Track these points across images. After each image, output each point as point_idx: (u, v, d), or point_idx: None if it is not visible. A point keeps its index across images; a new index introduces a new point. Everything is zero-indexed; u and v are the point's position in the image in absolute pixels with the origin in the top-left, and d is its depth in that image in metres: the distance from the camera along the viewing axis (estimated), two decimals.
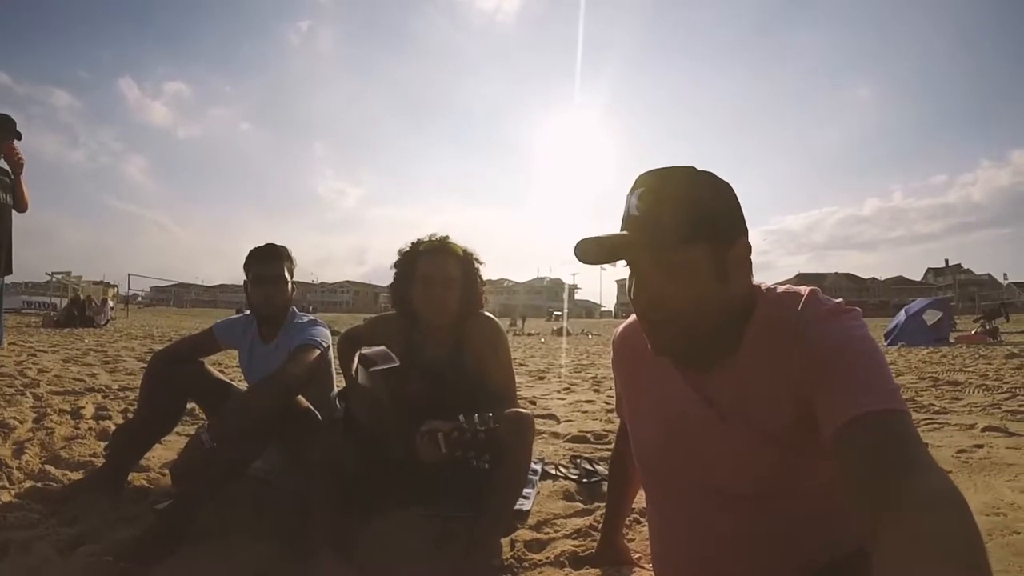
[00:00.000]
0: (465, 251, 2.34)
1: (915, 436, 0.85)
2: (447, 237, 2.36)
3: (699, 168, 1.09)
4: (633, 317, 1.30)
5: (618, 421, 1.57)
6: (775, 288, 1.13)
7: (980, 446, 3.42)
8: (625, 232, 1.07)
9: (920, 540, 0.71)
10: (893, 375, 0.94)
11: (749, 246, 1.09)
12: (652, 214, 1.04)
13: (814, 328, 1.00)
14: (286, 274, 2.58)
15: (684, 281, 1.04)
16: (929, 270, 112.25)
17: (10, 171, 4.28)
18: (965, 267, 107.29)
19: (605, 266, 1.12)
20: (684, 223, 1.02)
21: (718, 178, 1.09)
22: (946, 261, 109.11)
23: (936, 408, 4.84)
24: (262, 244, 2.62)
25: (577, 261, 1.06)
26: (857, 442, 0.86)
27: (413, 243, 2.38)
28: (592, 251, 1.07)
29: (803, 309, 1.03)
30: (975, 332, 15.27)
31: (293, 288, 2.63)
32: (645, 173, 1.09)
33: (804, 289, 1.09)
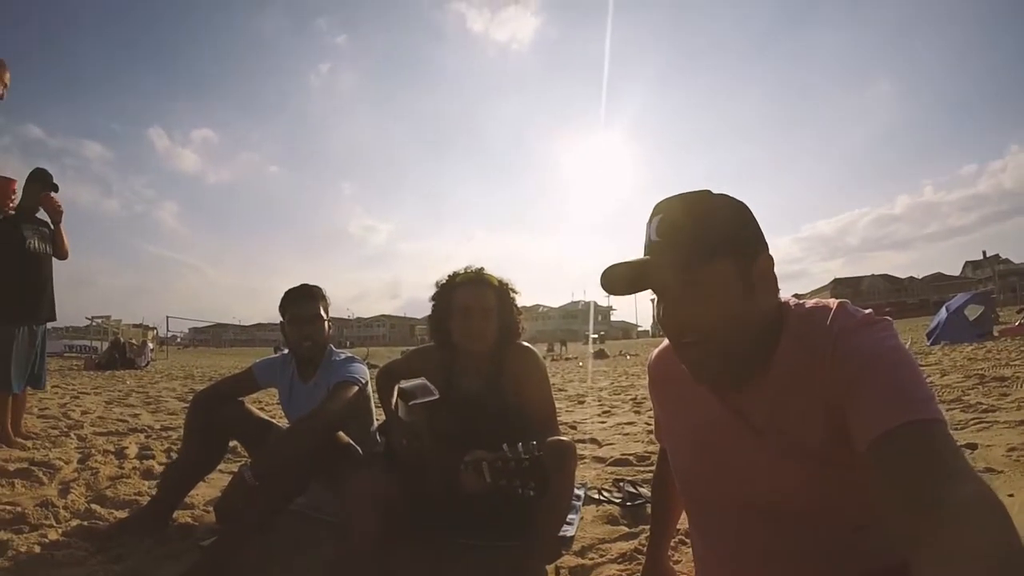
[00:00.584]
0: (501, 281, 2.36)
1: (951, 445, 0.84)
2: (482, 269, 2.39)
3: (714, 191, 1.11)
4: (666, 343, 1.32)
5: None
6: (803, 303, 1.13)
7: None
8: (646, 259, 1.08)
9: (957, 549, 0.70)
10: (927, 383, 0.92)
11: (772, 260, 1.09)
12: (672, 237, 1.06)
13: (844, 341, 0.99)
14: (322, 312, 2.61)
15: (711, 299, 1.03)
16: (967, 263, 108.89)
17: (50, 221, 4.40)
18: (1003, 257, 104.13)
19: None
20: (704, 241, 1.03)
21: (733, 198, 1.10)
22: (983, 253, 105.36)
23: (984, 406, 4.69)
24: (296, 285, 2.66)
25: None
26: (892, 455, 0.85)
27: (450, 276, 2.40)
28: (617, 280, 1.09)
29: (832, 322, 1.03)
30: (1019, 324, 14.94)
31: (330, 326, 2.66)
32: (661, 201, 1.11)
33: (833, 302, 1.08)
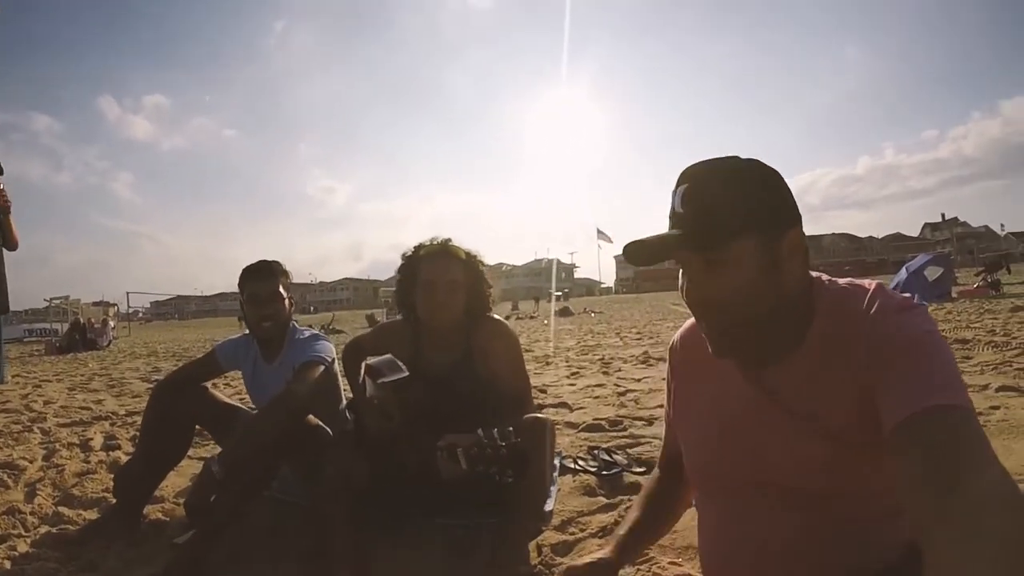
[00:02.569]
0: (468, 253, 2.30)
1: (978, 433, 0.83)
2: (449, 240, 2.32)
3: (743, 157, 1.07)
4: (688, 325, 1.31)
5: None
6: (837, 281, 1.11)
7: (996, 407, 3.40)
8: (672, 231, 1.05)
9: (972, 540, 0.70)
10: (959, 372, 0.92)
11: (802, 234, 1.06)
12: (697, 210, 1.02)
13: (882, 323, 0.97)
14: (281, 290, 2.52)
15: (734, 276, 1.01)
16: (926, 225, 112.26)
17: None
18: (962, 220, 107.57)
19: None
20: (730, 217, 1.00)
21: (765, 166, 1.07)
22: (942, 215, 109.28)
23: None
24: (254, 262, 2.57)
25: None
26: (916, 437, 0.84)
27: (415, 247, 2.33)
28: (641, 254, 1.06)
29: (870, 303, 1.01)
30: (977, 286, 15.32)
31: (291, 303, 2.58)
32: (689, 167, 1.07)
33: (869, 283, 1.06)
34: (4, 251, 4.36)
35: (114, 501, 2.44)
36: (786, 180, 1.06)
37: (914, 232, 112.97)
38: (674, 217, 1.06)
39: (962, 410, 0.85)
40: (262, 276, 2.52)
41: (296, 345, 2.50)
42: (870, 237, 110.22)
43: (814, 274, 1.11)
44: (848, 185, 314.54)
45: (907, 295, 1.03)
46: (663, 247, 1.05)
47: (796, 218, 1.06)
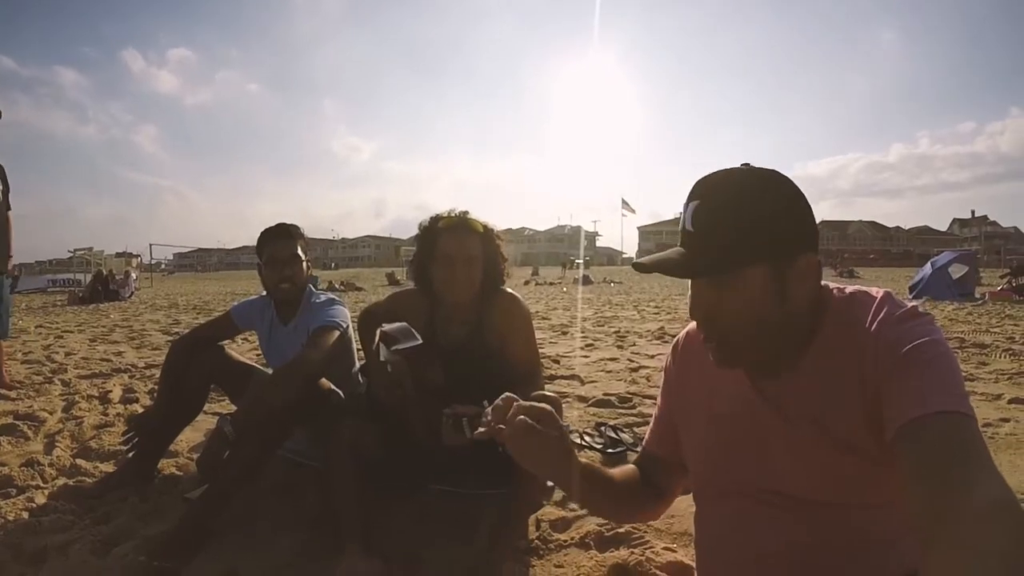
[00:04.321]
0: (486, 227, 2.29)
1: (978, 441, 0.83)
2: (467, 212, 2.31)
3: (757, 170, 1.04)
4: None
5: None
6: (844, 289, 1.10)
7: (1007, 420, 3.37)
8: (681, 251, 1.04)
9: (969, 553, 0.70)
10: (963, 381, 0.91)
11: (816, 262, 1.03)
12: (708, 234, 1.01)
13: (888, 330, 0.97)
14: (300, 252, 2.55)
15: (741, 299, 1.01)
16: (955, 220, 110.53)
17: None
18: (991, 219, 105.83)
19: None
20: (740, 244, 0.98)
21: (782, 182, 1.03)
22: (972, 212, 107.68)
23: (963, 374, 4.69)
24: (273, 225, 2.60)
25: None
26: (917, 442, 0.84)
27: (432, 218, 2.31)
28: (650, 268, 1.06)
29: (876, 311, 1.01)
30: (1001, 288, 14.96)
31: (309, 266, 2.61)
32: (701, 181, 1.05)
33: (876, 291, 1.06)
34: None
35: (130, 457, 2.49)
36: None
37: (942, 226, 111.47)
38: (684, 235, 1.04)
39: (966, 418, 0.85)
40: (281, 237, 2.54)
41: (312, 308, 2.52)
42: (897, 227, 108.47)
43: (822, 283, 1.09)
44: (879, 172, 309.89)
45: (914, 304, 1.02)
46: (674, 268, 1.04)
47: (810, 244, 1.03)
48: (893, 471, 0.89)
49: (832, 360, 1.03)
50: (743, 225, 0.99)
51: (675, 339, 1.37)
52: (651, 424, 1.43)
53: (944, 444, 0.82)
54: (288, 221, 2.61)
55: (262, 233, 2.58)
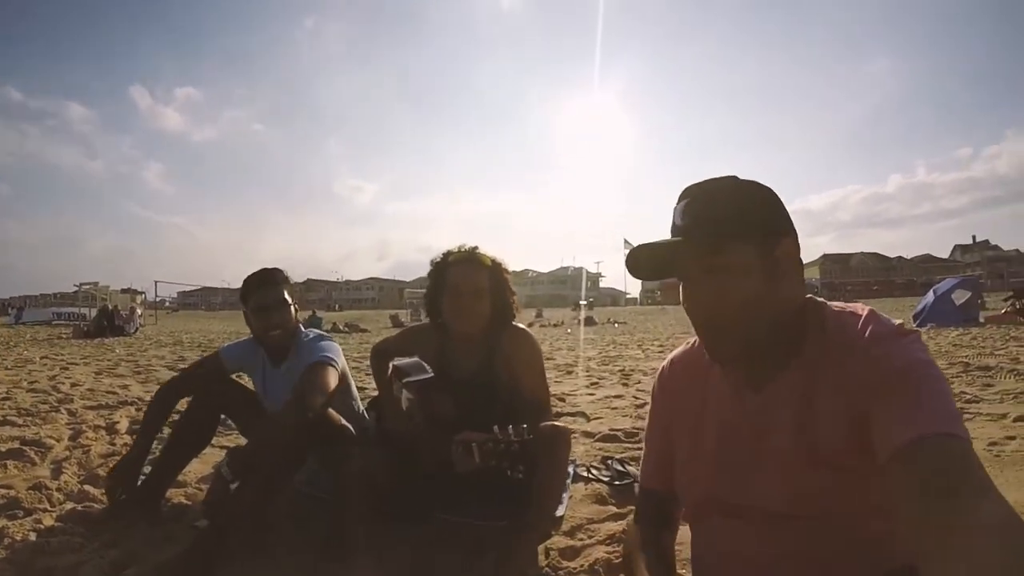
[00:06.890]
0: (494, 261, 2.35)
1: (973, 462, 0.83)
2: (476, 248, 2.38)
3: (740, 177, 1.13)
4: (681, 349, 1.36)
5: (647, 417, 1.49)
6: (829, 304, 1.13)
7: (1012, 438, 3.37)
8: (671, 239, 1.11)
9: (971, 566, 0.70)
10: (954, 401, 0.92)
11: (796, 244, 1.11)
12: (696, 220, 1.09)
13: (876, 348, 0.98)
14: (287, 297, 2.53)
15: (732, 282, 1.05)
16: (956, 247, 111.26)
17: None
18: (993, 243, 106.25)
19: (627, 253, 1.15)
20: (728, 224, 1.06)
21: (761, 185, 1.13)
22: (973, 237, 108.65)
23: (968, 396, 4.74)
24: (256, 271, 2.56)
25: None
26: (912, 466, 0.85)
27: (444, 254, 2.40)
28: (643, 263, 1.12)
29: (863, 328, 1.02)
30: (1005, 311, 15.05)
31: (297, 309, 2.59)
32: (689, 186, 1.14)
33: (861, 308, 1.08)
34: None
35: (139, 484, 2.44)
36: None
37: (944, 253, 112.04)
38: (675, 229, 1.12)
39: (960, 440, 0.85)
40: (266, 284, 2.51)
41: (303, 348, 2.50)
42: (899, 257, 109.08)
43: (808, 295, 1.14)
44: (879, 203, 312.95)
45: (899, 322, 1.03)
46: (665, 255, 1.12)
47: (790, 228, 1.11)
48: (877, 483, 0.90)
49: (818, 375, 1.05)
50: (729, 212, 1.07)
51: (660, 368, 1.40)
52: (642, 463, 1.44)
53: (941, 465, 0.83)
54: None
55: (245, 281, 2.55)
